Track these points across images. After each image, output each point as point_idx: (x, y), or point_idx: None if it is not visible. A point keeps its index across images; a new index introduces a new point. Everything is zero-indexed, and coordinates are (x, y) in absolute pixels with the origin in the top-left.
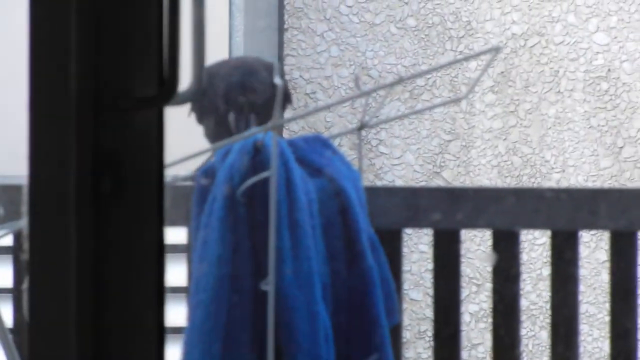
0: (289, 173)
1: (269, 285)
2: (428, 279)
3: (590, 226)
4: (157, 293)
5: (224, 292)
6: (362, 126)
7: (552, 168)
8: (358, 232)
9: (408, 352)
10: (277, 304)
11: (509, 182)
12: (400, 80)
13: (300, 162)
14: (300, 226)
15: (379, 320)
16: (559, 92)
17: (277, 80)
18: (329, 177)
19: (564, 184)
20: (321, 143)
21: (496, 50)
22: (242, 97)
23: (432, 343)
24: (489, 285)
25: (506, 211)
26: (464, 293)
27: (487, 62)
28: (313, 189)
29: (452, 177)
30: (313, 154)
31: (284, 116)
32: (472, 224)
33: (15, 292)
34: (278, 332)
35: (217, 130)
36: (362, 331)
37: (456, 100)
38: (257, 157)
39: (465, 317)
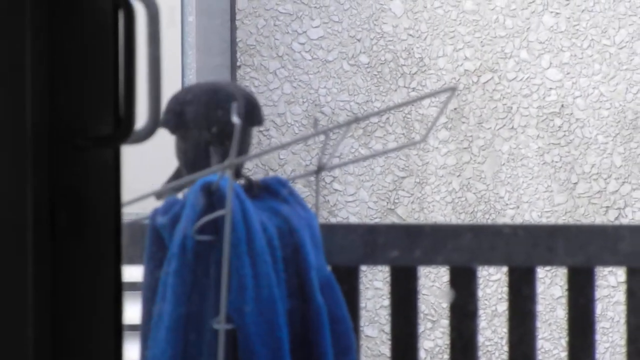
0: (244, 207)
1: (220, 324)
2: (383, 315)
3: (548, 262)
4: (115, 331)
5: (183, 330)
6: (319, 169)
7: (507, 204)
8: (307, 271)
9: None
10: (240, 332)
11: (463, 219)
12: (355, 120)
13: (257, 202)
14: (259, 254)
15: (325, 359)
16: (512, 128)
17: (235, 119)
18: (283, 217)
19: (518, 220)
20: (278, 183)
21: (452, 90)
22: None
23: None
24: (444, 322)
25: (464, 248)
26: (419, 329)
27: (444, 103)
28: (271, 225)
29: (407, 213)
30: (269, 194)
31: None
32: (430, 261)
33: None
34: None
35: (193, 158)
36: None
37: (413, 144)
38: (214, 197)
39: (421, 354)
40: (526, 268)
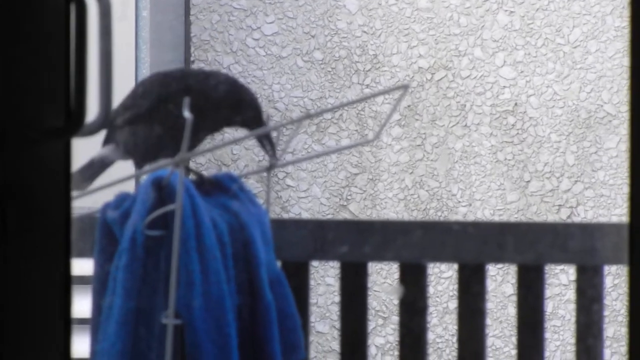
0: (193, 202)
1: (169, 318)
2: (334, 311)
3: (498, 260)
4: (64, 325)
5: (133, 324)
6: (271, 166)
7: (459, 202)
8: (257, 268)
9: None
10: (187, 328)
11: (416, 216)
12: (308, 116)
13: (208, 198)
14: (208, 250)
15: (273, 357)
16: (465, 126)
17: (187, 114)
18: (233, 213)
19: (470, 218)
20: (229, 179)
21: (405, 87)
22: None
23: None
24: (395, 318)
25: (413, 244)
26: (370, 326)
27: (397, 100)
28: (221, 221)
29: (359, 210)
30: (220, 190)
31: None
32: (380, 257)
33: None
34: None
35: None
36: None
37: (366, 143)
38: (164, 192)
39: (372, 350)
40: (476, 265)
